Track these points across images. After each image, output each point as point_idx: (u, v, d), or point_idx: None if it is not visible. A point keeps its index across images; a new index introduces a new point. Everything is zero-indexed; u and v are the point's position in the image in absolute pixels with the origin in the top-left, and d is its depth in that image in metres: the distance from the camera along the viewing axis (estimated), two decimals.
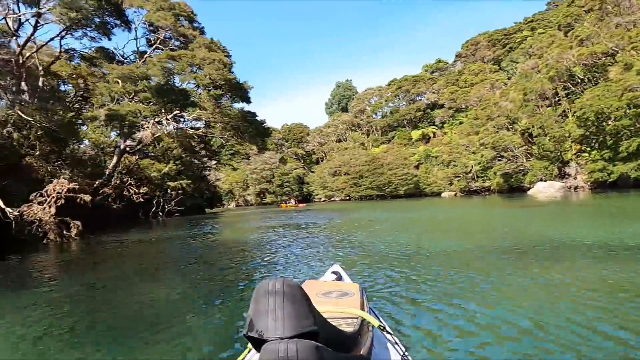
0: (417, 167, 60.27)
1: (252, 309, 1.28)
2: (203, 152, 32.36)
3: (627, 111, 28.12)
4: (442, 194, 54.22)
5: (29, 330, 4.32)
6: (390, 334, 2.19)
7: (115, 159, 23.27)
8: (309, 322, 1.25)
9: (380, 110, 78.46)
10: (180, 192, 30.40)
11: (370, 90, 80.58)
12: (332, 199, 69.55)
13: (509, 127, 41.66)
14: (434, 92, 69.57)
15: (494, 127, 41.14)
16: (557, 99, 41.04)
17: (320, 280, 3.13)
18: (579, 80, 40.26)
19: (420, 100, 72.70)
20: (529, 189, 41.58)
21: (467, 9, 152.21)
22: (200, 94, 25.03)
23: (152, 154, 30.16)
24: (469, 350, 3.08)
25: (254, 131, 26.06)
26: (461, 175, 51.55)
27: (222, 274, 7.01)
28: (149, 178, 27.14)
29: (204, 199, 36.67)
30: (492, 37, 73.39)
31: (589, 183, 34.71)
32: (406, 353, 2.04)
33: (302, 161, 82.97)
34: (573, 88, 40.39)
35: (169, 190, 29.82)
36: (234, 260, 8.74)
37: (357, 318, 2.11)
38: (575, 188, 35.67)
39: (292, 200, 56.10)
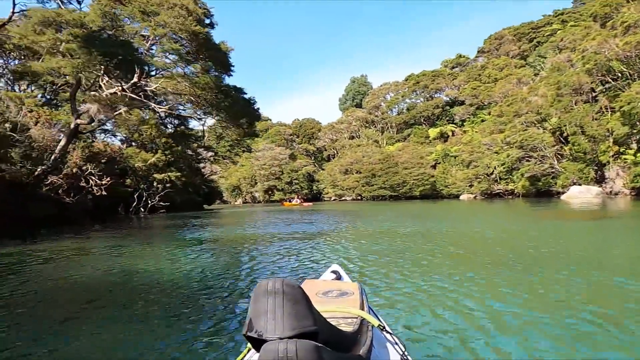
0: (434, 167, 56.45)
1: (251, 308, 1.26)
2: (194, 141, 28.99)
3: None
4: (461, 197, 50.38)
5: None
6: (390, 334, 2.10)
7: (63, 140, 18.73)
8: (308, 322, 1.23)
9: (396, 106, 74.60)
10: (168, 185, 27.16)
11: (386, 86, 76.77)
12: (343, 198, 66.07)
13: (539, 125, 37.65)
14: (454, 88, 65.54)
15: (522, 124, 37.16)
16: (594, 94, 36.91)
17: (320, 280, 3.00)
18: (619, 75, 36.06)
19: (439, 96, 68.69)
20: (558, 193, 37.57)
21: (489, 8, 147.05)
22: (164, 55, 19.77)
23: (138, 141, 27.05)
24: (469, 350, 3.01)
25: (238, 110, 21.64)
26: (482, 177, 47.60)
27: None
28: (134, 169, 24.07)
29: (200, 195, 33.37)
30: (517, 31, 69.01)
31: (632, 189, 30.63)
32: (406, 353, 1.97)
33: (312, 158, 79.66)
34: (613, 82, 36.21)
35: (155, 184, 26.64)
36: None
37: (356, 318, 2.05)
38: (616, 194, 31.62)
39: (297, 199, 52.44)
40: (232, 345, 3.38)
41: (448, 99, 68.01)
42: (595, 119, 32.94)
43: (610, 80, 36.49)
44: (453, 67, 73.80)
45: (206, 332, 3.74)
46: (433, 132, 63.84)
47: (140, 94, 19.33)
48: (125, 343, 3.60)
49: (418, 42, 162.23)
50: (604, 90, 36.01)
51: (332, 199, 67.88)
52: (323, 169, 74.09)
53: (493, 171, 46.75)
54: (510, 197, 45.44)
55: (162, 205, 27.80)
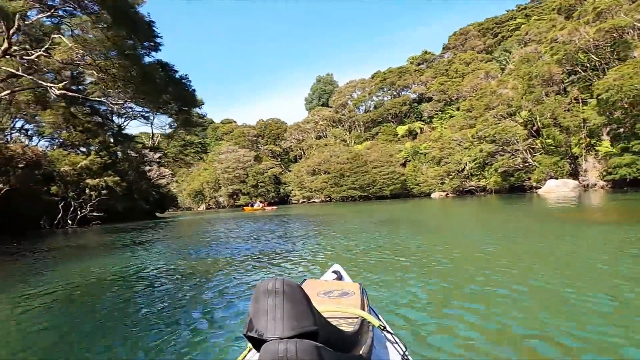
0: (404, 165, 54.67)
1: (251, 308, 1.24)
2: (136, 142, 25.00)
3: None
4: (432, 195, 48.71)
5: None
6: (391, 334, 2.09)
7: None
8: (309, 322, 1.22)
9: (363, 104, 72.63)
10: (104, 192, 23.07)
11: (352, 83, 74.74)
12: (311, 200, 63.30)
13: (511, 118, 36.21)
14: (421, 85, 64.17)
15: (494, 117, 35.57)
16: (564, 85, 35.82)
17: (321, 280, 2.95)
18: (587, 65, 35.12)
19: (406, 93, 67.22)
20: (531, 187, 36.26)
21: (453, 7, 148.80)
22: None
23: (68, 141, 22.93)
24: (470, 350, 2.97)
25: (160, 89, 17.32)
26: (454, 174, 46.03)
27: None
28: (60, 174, 20.18)
29: (149, 202, 29.39)
30: (482, 27, 68.69)
31: (608, 181, 29.42)
32: (407, 353, 1.95)
33: (279, 159, 76.53)
34: (582, 73, 35.22)
35: (87, 190, 22.58)
36: None
37: (357, 318, 2.04)
38: (593, 186, 30.40)
39: (258, 203, 48.97)
40: (232, 345, 3.33)
41: (415, 95, 66.65)
42: (568, 110, 31.68)
43: (580, 70, 35.50)
44: (419, 64, 72.68)
45: (206, 332, 3.67)
46: (401, 129, 62.19)
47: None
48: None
49: (384, 42, 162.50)
50: (575, 80, 34.95)
51: (301, 201, 64.99)
52: (290, 171, 71.12)
53: (464, 167, 45.26)
54: (482, 193, 44.08)
55: (95, 216, 23.53)
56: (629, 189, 26.61)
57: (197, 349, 3.32)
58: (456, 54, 64.20)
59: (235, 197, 71.37)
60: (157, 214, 33.77)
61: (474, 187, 44.72)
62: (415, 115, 65.16)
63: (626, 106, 25.66)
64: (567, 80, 36.24)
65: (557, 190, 29.89)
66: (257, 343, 1.20)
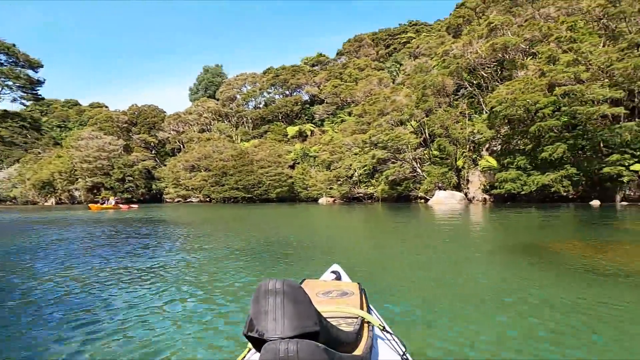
0: (292, 167, 51.64)
1: (252, 308, 1.24)
2: None
3: (553, 109, 23.43)
4: (320, 200, 46.47)
5: None
6: (391, 334, 2.10)
7: None
8: (309, 322, 1.22)
9: (253, 99, 68.04)
10: None
11: (242, 76, 69.70)
12: (188, 200, 56.46)
13: (404, 126, 35.44)
14: (314, 85, 62.15)
15: (388, 122, 34.35)
16: (455, 98, 36.29)
17: (320, 280, 2.95)
18: (473, 82, 36.18)
19: (299, 93, 64.63)
20: (417, 198, 35.97)
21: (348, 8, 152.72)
22: None
23: None
24: (471, 350, 3.08)
25: None
26: (343, 179, 44.33)
27: None
28: None
29: None
30: (376, 36, 69.68)
31: (490, 195, 29.89)
32: (406, 353, 1.97)
33: (153, 151, 67.57)
34: (470, 88, 36.10)
35: None
36: None
37: (357, 317, 2.05)
38: (483, 200, 30.70)
39: (112, 200, 40.80)
40: (232, 345, 3.31)
41: (308, 97, 64.52)
42: (457, 122, 31.75)
43: (467, 86, 36.34)
44: (313, 65, 70.91)
45: (206, 332, 3.66)
46: (292, 130, 59.26)
47: None
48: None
49: (277, 44, 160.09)
50: (464, 94, 35.58)
51: (176, 200, 57.62)
52: (165, 165, 62.99)
53: (354, 174, 43.88)
54: (370, 201, 43.16)
55: None
56: (510, 203, 27.03)
57: (197, 349, 3.28)
58: (350, 58, 63.73)
59: (96, 191, 60.51)
60: None
61: (362, 194, 43.54)
62: (306, 117, 62.93)
63: (514, 121, 25.98)
64: (457, 95, 36.84)
65: (445, 201, 29.43)
66: (258, 343, 1.18)
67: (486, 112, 30.36)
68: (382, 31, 69.49)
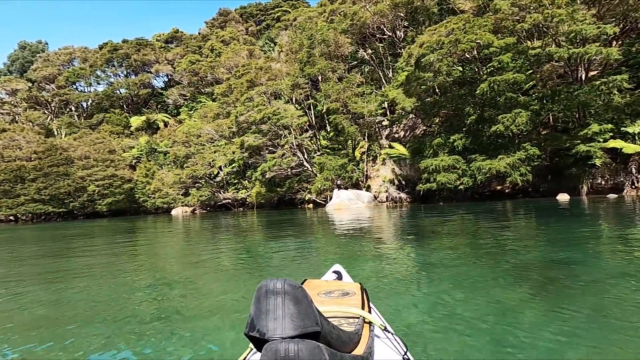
0: (133, 167, 37.75)
1: (253, 308, 1.23)
2: None
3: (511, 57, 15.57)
4: (173, 211, 33.76)
5: None
6: (392, 334, 2.02)
7: None
8: (310, 322, 1.20)
9: (82, 80, 51.03)
10: None
11: (67, 50, 52.25)
12: None
13: (286, 101, 25.20)
14: (167, 63, 48.47)
15: (262, 95, 23.73)
16: (350, 65, 27.37)
17: (321, 280, 2.85)
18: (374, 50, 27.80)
19: (148, 73, 50.06)
20: (305, 201, 26.20)
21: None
22: None
23: None
24: (471, 350, 2.88)
25: None
26: (203, 181, 32.39)
27: None
28: None
29: None
30: (245, 11, 58.73)
31: (409, 193, 21.33)
32: (407, 353, 1.89)
33: None
34: (367, 57, 27.54)
35: None
36: None
37: (358, 318, 1.98)
38: (399, 200, 21.82)
39: None
40: (232, 345, 3.22)
41: (163, 83, 50.61)
42: (359, 95, 22.65)
43: (365, 55, 27.76)
44: (167, 42, 56.77)
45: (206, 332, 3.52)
46: (137, 120, 44.86)
47: None
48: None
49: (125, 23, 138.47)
50: (361, 69, 26.86)
51: None
52: None
53: (218, 172, 32.31)
54: (241, 209, 32.08)
55: None
56: (444, 203, 18.68)
57: (197, 349, 3.17)
58: (213, 31, 51.59)
59: None
60: None
61: (230, 200, 32.16)
62: (159, 106, 48.94)
63: (447, 84, 17.73)
64: (352, 65, 28.01)
65: (350, 205, 19.94)
66: (259, 343, 1.17)
67: (394, 80, 21.86)
68: (252, 5, 58.76)
